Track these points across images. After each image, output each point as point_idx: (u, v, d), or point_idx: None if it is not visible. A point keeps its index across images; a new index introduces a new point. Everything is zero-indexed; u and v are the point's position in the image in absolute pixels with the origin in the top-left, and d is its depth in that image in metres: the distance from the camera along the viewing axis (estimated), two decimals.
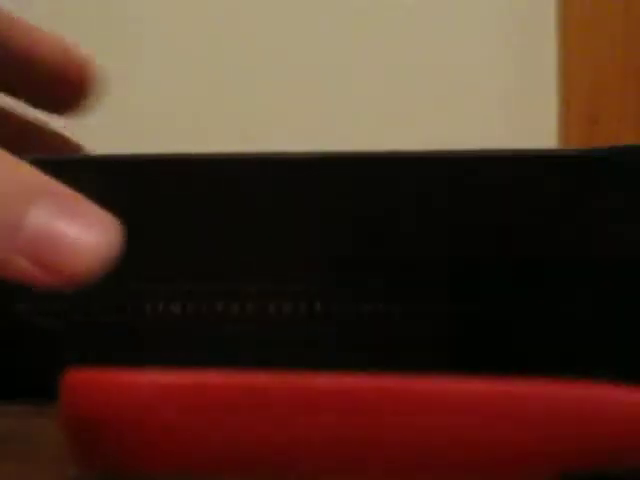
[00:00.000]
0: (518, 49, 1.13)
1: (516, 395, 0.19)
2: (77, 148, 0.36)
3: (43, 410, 0.26)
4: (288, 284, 0.27)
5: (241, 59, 1.12)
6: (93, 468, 0.19)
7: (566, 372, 0.26)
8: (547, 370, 0.26)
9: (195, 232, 0.27)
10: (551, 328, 0.27)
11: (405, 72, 1.12)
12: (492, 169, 0.27)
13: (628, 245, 0.27)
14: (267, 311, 0.27)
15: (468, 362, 0.27)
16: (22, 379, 0.26)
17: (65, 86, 0.35)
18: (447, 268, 0.27)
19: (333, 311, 0.27)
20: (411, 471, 0.19)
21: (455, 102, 1.14)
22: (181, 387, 0.19)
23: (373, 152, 0.28)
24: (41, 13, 1.10)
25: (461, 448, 0.19)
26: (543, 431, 0.18)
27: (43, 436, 0.24)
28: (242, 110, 1.10)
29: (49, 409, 0.24)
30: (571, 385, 0.19)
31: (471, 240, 0.27)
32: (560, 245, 0.27)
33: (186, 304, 0.27)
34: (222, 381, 0.19)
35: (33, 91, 0.35)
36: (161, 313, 0.26)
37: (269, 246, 0.27)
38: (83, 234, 0.24)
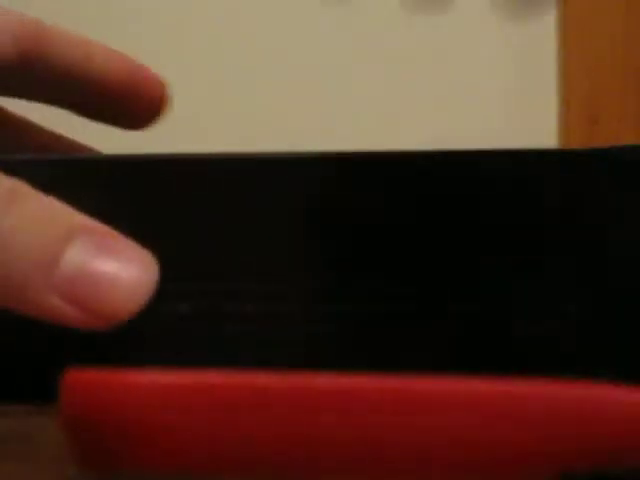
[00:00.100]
0: (518, 49, 1.13)
1: (516, 395, 0.19)
2: (80, 149, 0.36)
3: (43, 410, 0.26)
4: (289, 284, 0.27)
5: (241, 59, 1.12)
6: (93, 468, 0.19)
7: (566, 372, 0.26)
8: (547, 370, 0.26)
9: (195, 232, 0.27)
10: (551, 328, 0.27)
11: (405, 72, 1.12)
12: (491, 168, 0.27)
13: (628, 245, 0.27)
14: (267, 311, 0.27)
15: (468, 362, 0.27)
16: (22, 379, 0.26)
17: (136, 104, 0.35)
18: (447, 268, 0.27)
19: (334, 311, 0.27)
20: (411, 471, 0.19)
21: (455, 102, 1.14)
22: (181, 387, 0.19)
23: (374, 152, 0.28)
24: (41, 12, 1.10)
25: (461, 448, 0.19)
26: (543, 431, 0.18)
27: (43, 436, 0.24)
28: (242, 110, 1.10)
29: (49, 409, 0.24)
30: (571, 385, 0.19)
31: (471, 240, 0.27)
32: (560, 245, 0.27)
33: (186, 304, 0.27)
34: (222, 381, 0.19)
35: (106, 110, 0.35)
36: (161, 313, 0.26)
37: (269, 246, 0.27)
38: (121, 272, 0.24)
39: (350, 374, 0.19)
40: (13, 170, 0.27)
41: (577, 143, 1.04)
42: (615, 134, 1.05)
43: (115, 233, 0.25)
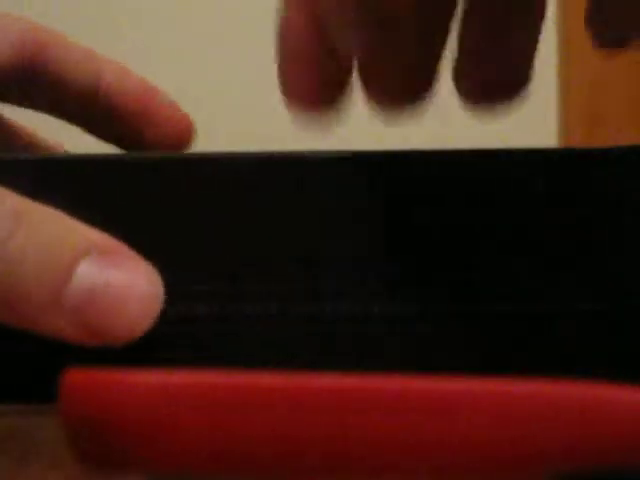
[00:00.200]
0: None
1: (516, 395, 0.19)
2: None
3: (43, 410, 0.26)
4: (291, 284, 0.27)
5: (241, 59, 1.12)
6: (93, 468, 0.19)
7: (566, 372, 0.26)
8: (547, 370, 0.26)
9: (199, 232, 0.27)
10: (551, 328, 0.27)
11: None
12: (490, 168, 0.27)
13: (628, 244, 0.27)
14: (272, 311, 0.27)
15: (468, 362, 0.27)
16: (22, 379, 0.26)
17: (147, 130, 0.35)
18: (448, 268, 0.27)
19: (338, 311, 0.27)
20: (411, 471, 0.19)
21: (455, 102, 1.14)
22: (181, 387, 0.19)
23: (374, 152, 0.28)
24: (41, 11, 1.10)
25: (461, 448, 0.19)
26: (543, 431, 0.18)
27: (43, 436, 0.24)
28: (243, 110, 1.10)
29: (49, 409, 0.24)
30: (571, 385, 0.19)
31: (471, 240, 0.27)
32: (559, 245, 0.27)
33: (187, 304, 0.27)
34: (222, 381, 0.19)
35: (114, 130, 0.35)
36: (161, 313, 0.26)
37: (272, 246, 0.27)
38: (129, 296, 0.24)
39: (350, 374, 0.19)
40: (20, 170, 0.27)
41: (577, 144, 1.04)
42: (615, 134, 1.05)
43: (121, 248, 0.25)
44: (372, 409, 0.19)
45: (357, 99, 0.30)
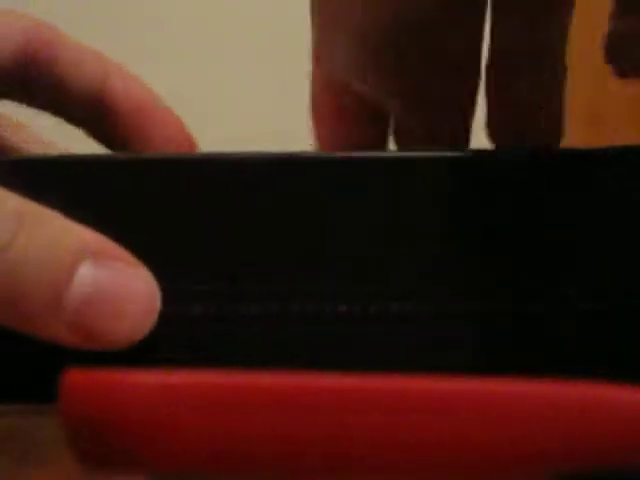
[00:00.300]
0: None
1: (516, 395, 0.19)
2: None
3: (43, 409, 0.26)
4: (290, 284, 0.27)
5: (241, 59, 1.12)
6: (93, 468, 0.19)
7: (566, 372, 0.26)
8: (547, 370, 0.26)
9: (198, 232, 0.27)
10: (551, 328, 0.27)
11: None
12: (489, 166, 0.27)
13: (628, 244, 0.27)
14: (273, 311, 0.27)
15: (468, 362, 0.27)
16: (22, 379, 0.26)
17: (145, 140, 0.34)
18: (447, 269, 0.27)
19: (338, 311, 0.27)
20: (411, 471, 0.19)
21: None
22: (181, 387, 0.19)
23: (374, 152, 0.28)
24: (41, 11, 1.09)
25: (461, 448, 0.19)
26: (543, 431, 0.18)
27: (43, 435, 0.24)
28: (242, 110, 1.10)
29: (49, 409, 0.24)
30: (571, 385, 0.19)
31: (470, 239, 0.27)
32: (559, 245, 0.27)
33: (187, 304, 0.27)
34: (222, 381, 0.19)
35: (115, 134, 0.35)
36: (163, 312, 0.26)
37: (271, 246, 0.27)
38: (128, 301, 0.24)
39: (351, 374, 0.19)
40: (18, 170, 0.27)
41: (577, 143, 1.04)
42: (615, 135, 1.05)
43: (119, 251, 0.25)
44: (372, 409, 0.19)
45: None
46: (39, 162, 0.28)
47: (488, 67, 0.29)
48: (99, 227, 0.25)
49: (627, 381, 0.19)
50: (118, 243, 0.25)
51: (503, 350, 0.27)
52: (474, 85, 0.29)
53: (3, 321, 0.24)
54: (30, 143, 0.35)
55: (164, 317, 0.26)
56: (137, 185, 0.27)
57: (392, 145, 0.32)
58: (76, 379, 0.19)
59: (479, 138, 0.31)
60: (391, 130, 0.31)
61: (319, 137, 0.32)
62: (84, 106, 0.34)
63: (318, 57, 0.30)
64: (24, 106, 0.35)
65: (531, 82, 0.29)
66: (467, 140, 0.30)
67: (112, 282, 0.24)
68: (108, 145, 0.35)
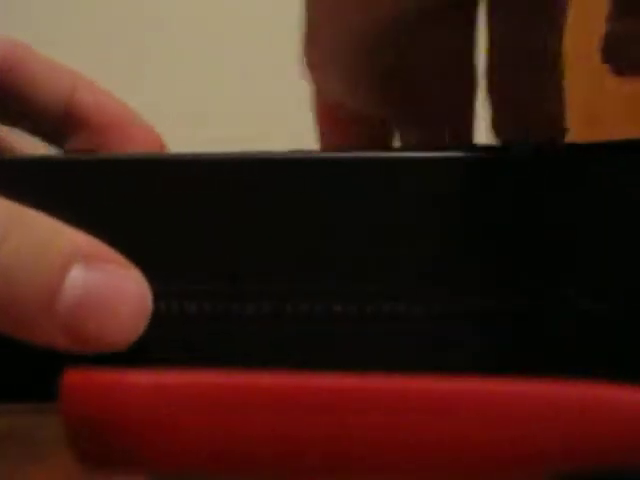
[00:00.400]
0: None
1: (516, 395, 0.19)
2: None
3: (43, 410, 0.26)
4: (290, 284, 0.27)
5: (241, 59, 1.12)
6: (93, 468, 0.19)
7: (566, 372, 0.26)
8: (547, 370, 0.26)
9: (197, 232, 0.27)
10: (551, 328, 0.27)
11: None
12: (489, 166, 0.27)
13: (628, 244, 0.27)
14: (271, 311, 0.27)
15: (468, 362, 0.27)
16: (22, 379, 0.26)
17: (125, 148, 0.34)
18: (447, 268, 0.27)
19: (337, 311, 0.27)
20: (411, 471, 0.19)
21: None
22: (181, 387, 0.19)
23: (373, 153, 0.28)
24: (41, 11, 1.10)
25: (460, 448, 0.19)
26: (543, 431, 0.18)
27: (43, 435, 0.24)
28: (242, 110, 1.10)
29: (49, 409, 0.24)
30: (571, 385, 0.19)
31: (469, 239, 0.27)
32: (559, 244, 0.27)
33: (186, 304, 0.27)
34: (222, 381, 0.19)
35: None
36: (161, 312, 0.26)
37: (271, 246, 0.27)
38: (120, 304, 0.24)
39: (351, 374, 0.19)
40: (7, 171, 0.27)
41: None
42: (614, 135, 1.05)
43: (110, 253, 0.25)
44: (372, 409, 0.19)
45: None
46: (30, 163, 0.27)
47: (488, 68, 0.29)
48: (94, 228, 0.25)
49: (627, 381, 0.19)
50: (114, 244, 0.25)
51: (503, 350, 0.27)
52: (471, 87, 0.30)
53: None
54: (19, 143, 0.35)
55: (163, 317, 0.26)
56: (134, 185, 0.27)
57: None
58: (76, 379, 0.19)
59: (477, 138, 0.31)
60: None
61: (322, 143, 0.32)
62: (52, 121, 0.34)
63: (312, 66, 0.30)
64: None
65: (531, 82, 0.29)
66: (470, 141, 0.31)
67: (103, 284, 0.24)
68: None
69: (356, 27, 0.28)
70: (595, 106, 1.08)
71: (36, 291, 0.23)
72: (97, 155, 0.28)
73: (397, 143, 0.32)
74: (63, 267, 0.24)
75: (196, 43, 1.12)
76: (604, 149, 0.27)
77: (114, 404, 0.19)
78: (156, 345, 0.26)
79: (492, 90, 0.30)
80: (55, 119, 0.34)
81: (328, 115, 0.31)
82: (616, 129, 1.07)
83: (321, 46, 0.29)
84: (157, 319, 0.26)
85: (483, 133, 0.30)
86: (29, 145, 0.35)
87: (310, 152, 0.28)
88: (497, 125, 0.30)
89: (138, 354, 0.25)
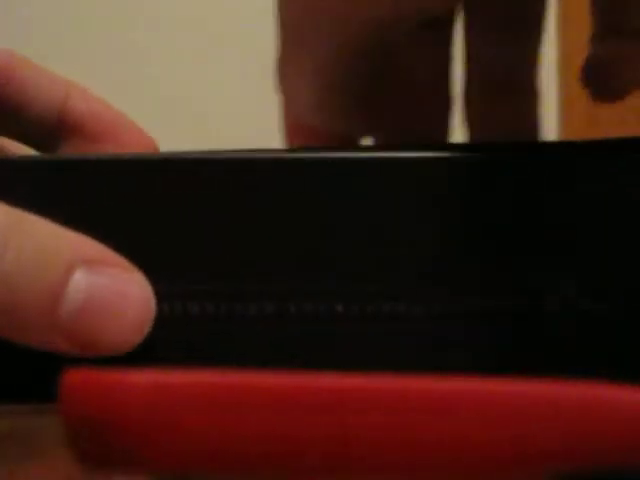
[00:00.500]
0: None
1: (516, 395, 0.19)
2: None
3: (43, 410, 0.26)
4: (290, 284, 0.27)
5: (240, 59, 1.12)
6: (93, 468, 0.19)
7: (566, 372, 0.26)
8: (547, 370, 0.26)
9: (197, 232, 0.27)
10: (551, 328, 0.27)
11: None
12: (488, 166, 0.27)
13: (628, 244, 0.27)
14: (272, 311, 0.27)
15: (468, 362, 0.27)
16: (22, 379, 0.26)
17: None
18: (447, 268, 0.27)
19: (336, 311, 0.27)
20: (411, 471, 0.19)
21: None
22: (181, 387, 0.19)
23: (373, 153, 0.28)
24: (42, 11, 1.10)
25: (461, 448, 0.19)
26: (543, 431, 0.18)
27: (43, 436, 0.24)
28: (242, 110, 1.10)
29: (49, 409, 0.24)
30: (571, 385, 0.19)
31: (469, 239, 0.27)
32: (559, 243, 0.27)
33: (189, 305, 0.27)
34: (222, 381, 0.19)
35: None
36: (164, 313, 0.26)
37: (271, 246, 0.27)
38: (124, 308, 0.24)
39: (350, 374, 0.19)
40: (15, 171, 0.27)
41: None
42: (615, 135, 1.05)
43: (112, 256, 0.25)
44: (372, 409, 0.19)
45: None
46: (30, 163, 0.27)
47: (465, 86, 0.30)
48: (94, 229, 0.25)
49: (627, 381, 0.19)
50: (115, 245, 0.25)
51: (503, 350, 0.27)
52: (447, 105, 0.30)
53: (2, 333, 0.24)
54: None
55: (166, 318, 0.26)
56: (134, 185, 0.27)
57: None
58: (76, 379, 0.19)
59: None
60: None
61: None
62: (44, 130, 0.34)
63: (284, 92, 0.30)
64: None
65: (507, 99, 0.29)
66: None
67: (107, 288, 0.24)
68: None
69: (331, 45, 0.28)
70: (595, 106, 1.08)
71: (38, 297, 0.23)
72: (97, 155, 0.28)
73: None
74: (65, 272, 0.24)
75: (196, 43, 1.12)
76: (604, 149, 0.27)
77: (114, 404, 0.19)
78: (159, 346, 0.26)
79: (469, 107, 0.30)
80: (48, 128, 0.33)
81: (298, 130, 0.31)
82: (616, 129, 1.07)
83: (294, 61, 0.29)
84: (160, 320, 0.26)
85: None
86: (24, 151, 0.35)
87: (310, 152, 0.28)
88: (473, 141, 0.30)
89: (140, 355, 0.25)
